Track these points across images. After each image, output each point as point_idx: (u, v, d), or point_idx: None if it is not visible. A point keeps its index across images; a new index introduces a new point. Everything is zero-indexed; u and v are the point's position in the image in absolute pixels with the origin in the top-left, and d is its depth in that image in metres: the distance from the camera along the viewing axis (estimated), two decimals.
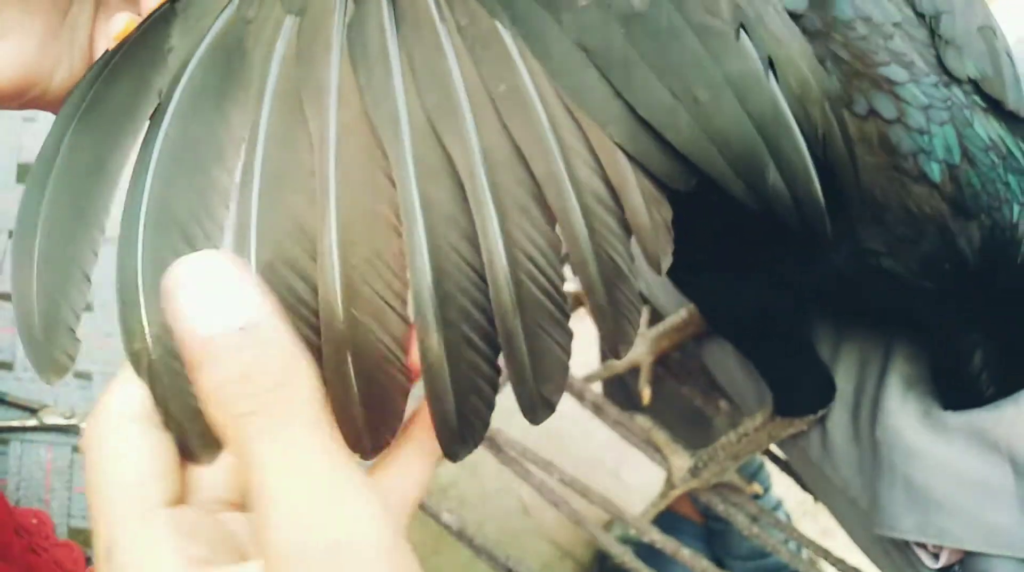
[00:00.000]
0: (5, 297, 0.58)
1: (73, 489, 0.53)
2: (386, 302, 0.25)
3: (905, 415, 0.44)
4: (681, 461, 0.59)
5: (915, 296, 0.39)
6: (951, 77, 0.36)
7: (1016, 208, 0.37)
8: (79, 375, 0.57)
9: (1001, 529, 0.42)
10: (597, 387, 0.69)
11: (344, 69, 0.26)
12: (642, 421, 0.62)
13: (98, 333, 0.58)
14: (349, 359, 0.24)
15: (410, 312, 0.25)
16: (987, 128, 0.36)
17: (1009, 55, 0.39)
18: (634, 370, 0.65)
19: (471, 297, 0.25)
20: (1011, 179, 0.37)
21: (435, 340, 0.24)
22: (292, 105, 0.26)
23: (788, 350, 0.49)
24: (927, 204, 0.36)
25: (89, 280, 0.24)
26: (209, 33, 0.27)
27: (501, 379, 0.26)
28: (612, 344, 0.28)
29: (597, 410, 0.64)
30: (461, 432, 0.25)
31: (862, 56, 0.35)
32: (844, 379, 0.49)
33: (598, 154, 0.27)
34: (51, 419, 0.55)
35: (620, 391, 0.72)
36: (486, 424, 0.26)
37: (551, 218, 0.26)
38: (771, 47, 0.30)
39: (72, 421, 0.55)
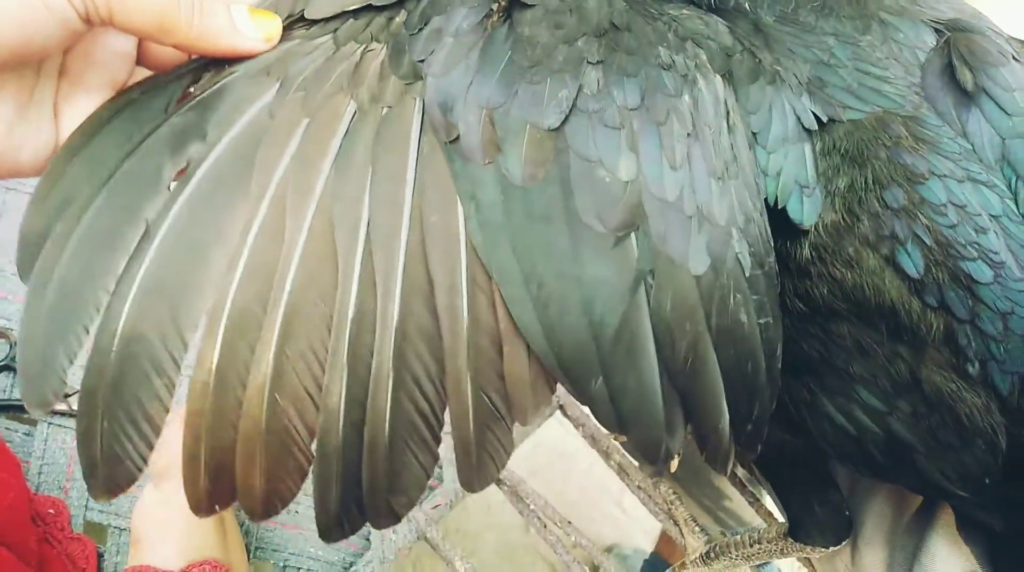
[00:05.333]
0: None
1: None
2: (307, 392, 0.27)
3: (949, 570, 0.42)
4: (696, 543, 0.58)
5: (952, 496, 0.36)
6: None
7: None
8: None
9: None
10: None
11: (331, 176, 0.28)
12: (665, 492, 0.61)
13: None
14: (263, 436, 0.26)
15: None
16: None
17: None
18: None
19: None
20: None
21: (336, 435, 0.27)
22: (281, 206, 0.27)
23: (804, 483, 0.47)
24: (982, 415, 0.33)
25: (88, 332, 0.26)
26: (237, 125, 0.28)
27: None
28: (467, 479, 0.29)
29: (621, 473, 0.63)
30: (340, 519, 0.28)
31: (946, 245, 0.32)
32: (878, 516, 0.48)
33: (497, 300, 0.28)
34: None
35: None
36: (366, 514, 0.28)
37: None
38: (660, 264, 0.28)
39: None
